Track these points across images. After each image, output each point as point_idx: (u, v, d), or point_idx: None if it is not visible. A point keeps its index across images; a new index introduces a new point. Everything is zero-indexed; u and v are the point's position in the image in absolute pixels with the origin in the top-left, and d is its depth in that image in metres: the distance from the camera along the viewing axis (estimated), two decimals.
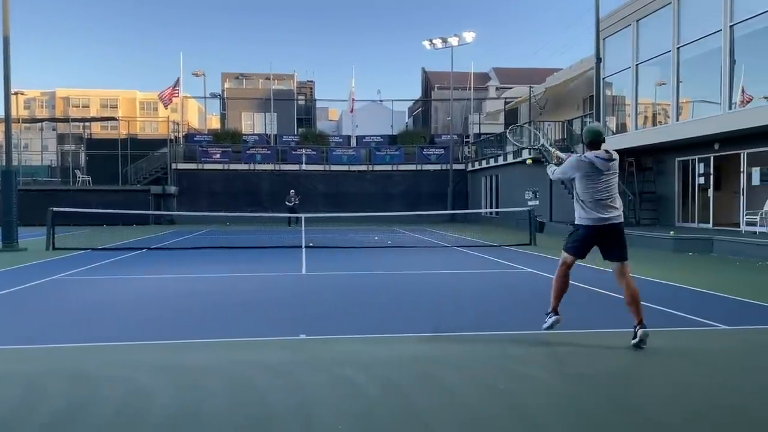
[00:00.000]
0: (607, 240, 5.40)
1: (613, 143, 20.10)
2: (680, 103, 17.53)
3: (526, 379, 4.47)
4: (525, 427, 3.55)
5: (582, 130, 18.44)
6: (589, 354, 5.21)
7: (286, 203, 28.18)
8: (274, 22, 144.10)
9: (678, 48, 17.22)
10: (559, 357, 5.11)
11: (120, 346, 5.56)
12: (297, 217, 26.24)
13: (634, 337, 5.25)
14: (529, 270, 11.14)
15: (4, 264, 12.09)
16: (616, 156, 5.43)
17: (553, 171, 5.80)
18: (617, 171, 5.47)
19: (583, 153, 5.52)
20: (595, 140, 5.45)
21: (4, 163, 16.33)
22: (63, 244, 16.04)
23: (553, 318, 5.62)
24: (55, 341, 5.73)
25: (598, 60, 17.75)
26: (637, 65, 19.25)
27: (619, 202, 5.42)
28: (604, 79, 19.82)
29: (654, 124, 19.22)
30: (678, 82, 17.33)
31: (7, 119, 16.13)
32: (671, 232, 15.33)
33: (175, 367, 4.78)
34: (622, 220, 5.45)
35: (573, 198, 5.54)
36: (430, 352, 5.26)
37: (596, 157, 5.32)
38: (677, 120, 17.44)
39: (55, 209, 16.14)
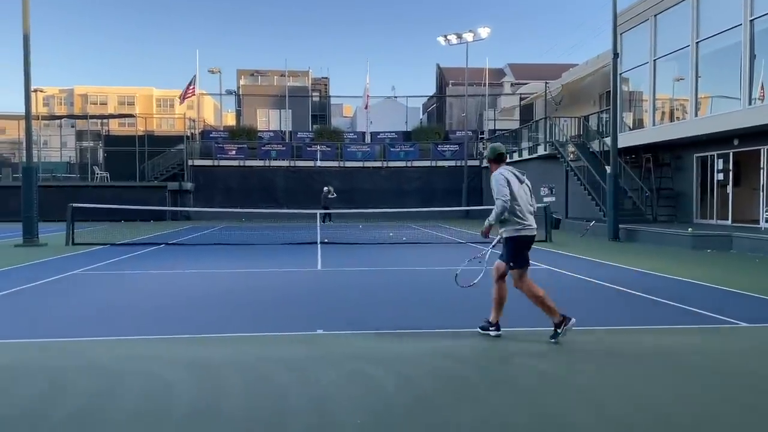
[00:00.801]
0: (529, 248, 5.64)
1: (630, 139, 19.99)
2: (699, 98, 17.34)
3: (545, 375, 4.47)
4: (544, 424, 3.56)
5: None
6: (607, 351, 5.19)
7: (323, 199, 27.60)
8: (290, 18, 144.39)
9: (697, 43, 17.01)
10: (577, 353, 5.10)
11: (140, 340, 5.65)
12: (329, 214, 26.36)
13: (488, 328, 5.61)
14: (545, 267, 11.10)
15: (25, 259, 12.28)
16: (523, 171, 5.76)
17: (490, 221, 5.59)
18: (530, 186, 5.73)
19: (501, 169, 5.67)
20: (499, 157, 5.71)
21: (24, 160, 16.56)
22: (82, 239, 16.25)
23: (499, 332, 5.64)
24: (77, 335, 5.82)
25: (616, 55, 17.58)
26: (654, 60, 19.06)
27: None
28: (621, 74, 19.64)
29: (672, 119, 19.02)
30: (697, 77, 17.13)
31: (27, 116, 16.33)
32: (689, 229, 15.18)
33: (194, 361, 4.84)
34: None
35: (503, 216, 5.48)
36: (446, 348, 5.27)
37: (511, 170, 5.60)
38: (696, 116, 17.25)
39: (74, 205, 16.35)
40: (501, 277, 5.64)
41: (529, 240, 5.59)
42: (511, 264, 5.54)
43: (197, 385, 4.23)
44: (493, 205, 5.50)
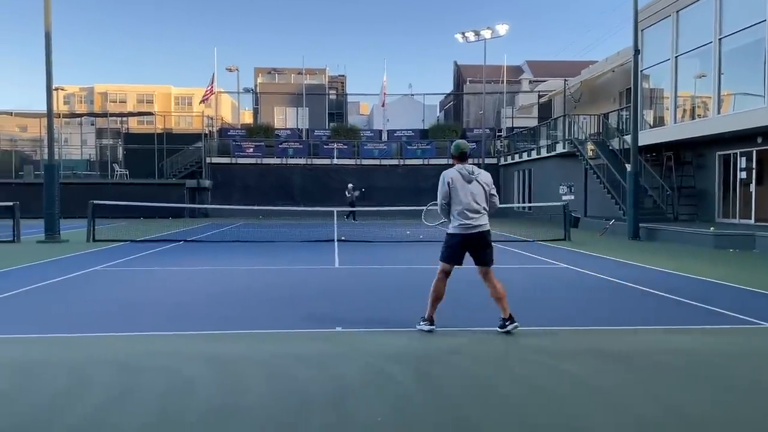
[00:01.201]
0: (476, 247, 5.72)
1: (650, 137, 19.76)
2: (721, 95, 17.07)
3: (565, 375, 4.42)
4: (566, 424, 3.52)
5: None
6: (629, 351, 5.12)
7: (346, 195, 27.70)
8: (307, 16, 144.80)
9: (720, 39, 16.75)
10: (597, 353, 5.03)
11: (159, 336, 5.69)
12: (353, 212, 26.39)
13: (502, 327, 5.68)
14: (564, 265, 11.01)
15: (47, 255, 12.44)
16: (479, 171, 5.77)
17: (428, 211, 6.01)
18: (487, 184, 5.77)
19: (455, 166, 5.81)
20: (462, 155, 5.81)
21: (46, 158, 16.77)
22: (102, 236, 16.43)
23: (430, 327, 5.76)
24: (98, 330, 5.87)
25: (636, 52, 17.36)
26: (676, 57, 18.80)
27: (485, 214, 5.74)
28: (642, 71, 19.39)
29: (693, 117, 18.75)
30: (719, 74, 16.86)
31: (49, 114, 16.54)
32: (711, 228, 14.96)
33: (215, 358, 4.86)
34: (488, 228, 5.78)
35: (445, 213, 5.80)
36: (465, 346, 5.24)
37: (459, 170, 5.70)
38: (718, 113, 16.98)
39: (95, 202, 16.52)
40: (461, 274, 6.02)
41: (464, 239, 5.66)
42: (441, 256, 5.80)
43: (217, 381, 4.25)
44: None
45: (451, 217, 5.71)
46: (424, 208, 6.41)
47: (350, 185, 28.03)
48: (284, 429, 3.41)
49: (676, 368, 4.63)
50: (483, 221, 5.69)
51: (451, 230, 5.74)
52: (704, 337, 5.68)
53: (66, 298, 7.70)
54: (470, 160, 5.91)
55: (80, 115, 44.85)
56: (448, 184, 5.65)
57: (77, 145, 42.33)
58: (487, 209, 5.77)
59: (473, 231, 5.64)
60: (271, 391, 4.06)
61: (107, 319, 6.43)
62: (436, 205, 5.92)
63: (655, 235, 16.53)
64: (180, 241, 16.43)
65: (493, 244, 5.90)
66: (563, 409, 3.73)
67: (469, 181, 5.66)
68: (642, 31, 19.46)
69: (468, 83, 45.51)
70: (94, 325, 6.09)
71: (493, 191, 5.85)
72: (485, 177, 5.79)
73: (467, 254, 5.77)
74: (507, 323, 5.65)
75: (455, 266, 5.83)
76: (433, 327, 5.74)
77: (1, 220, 20.35)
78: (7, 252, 13.21)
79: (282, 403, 3.81)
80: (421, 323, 5.80)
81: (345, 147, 35.13)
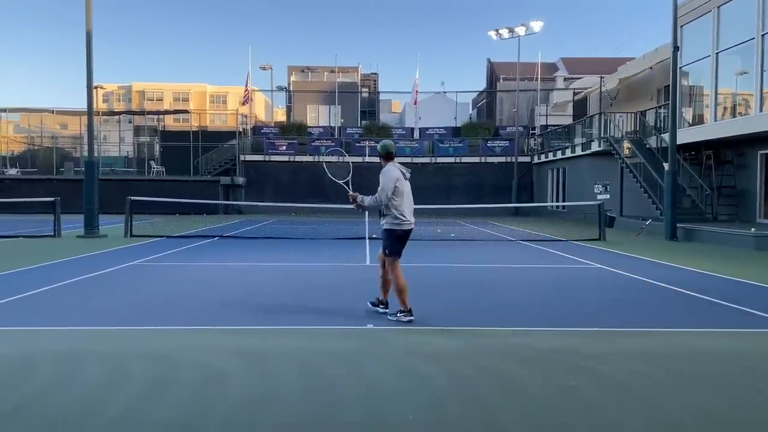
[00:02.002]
0: (406, 240, 6.23)
1: (689, 135, 19.32)
2: (764, 93, 16.58)
3: (597, 376, 4.37)
4: (597, 425, 3.48)
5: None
6: (661, 353, 5.03)
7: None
8: (340, 14, 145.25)
9: (762, 35, 16.26)
10: (631, 355, 4.95)
11: (195, 330, 5.79)
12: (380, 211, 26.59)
13: (377, 305, 6.41)
14: (599, 265, 10.85)
15: (86, 250, 12.78)
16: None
17: (364, 200, 6.22)
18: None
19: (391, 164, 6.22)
20: (389, 155, 6.25)
21: (86, 154, 17.21)
22: (139, 231, 16.78)
23: (412, 317, 6.07)
24: (136, 324, 6.02)
25: (676, 48, 16.98)
26: (717, 54, 18.32)
27: None
28: (681, 68, 18.97)
29: (734, 115, 18.26)
30: (762, 71, 16.38)
31: (90, 112, 16.95)
32: (752, 229, 14.55)
33: (248, 352, 4.93)
34: None
35: (382, 209, 6.16)
36: (497, 346, 5.21)
37: (399, 168, 6.15)
38: (761, 111, 16.50)
39: (132, 198, 16.89)
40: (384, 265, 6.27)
41: (405, 234, 6.16)
42: (386, 251, 6.13)
43: (249, 376, 4.32)
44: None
45: (394, 212, 6.06)
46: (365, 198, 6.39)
47: None
48: (314, 425, 3.45)
49: (710, 371, 4.53)
50: (413, 218, 6.25)
51: (393, 226, 6.10)
52: (740, 340, 5.55)
53: (105, 291, 7.90)
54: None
55: (118, 113, 45.78)
56: (397, 179, 6.05)
57: (115, 143, 43.25)
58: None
59: (412, 227, 6.21)
60: (304, 386, 4.10)
61: (144, 312, 6.58)
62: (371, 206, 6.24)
63: (694, 236, 16.16)
64: (215, 237, 16.69)
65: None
66: (595, 411, 3.68)
67: (407, 179, 6.18)
68: (681, 27, 19.02)
69: (501, 81, 45.06)
70: (132, 319, 6.24)
71: None
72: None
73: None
74: (380, 305, 6.39)
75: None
76: (413, 317, 6.06)
77: (43, 215, 20.98)
78: (49, 246, 13.61)
79: (315, 399, 3.85)
80: (399, 315, 6.09)
81: (377, 145, 35.14)
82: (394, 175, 6.05)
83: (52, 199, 16.91)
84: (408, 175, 6.19)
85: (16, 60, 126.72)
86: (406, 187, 6.15)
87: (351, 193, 6.39)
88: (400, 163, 6.33)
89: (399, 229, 6.08)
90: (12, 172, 35.13)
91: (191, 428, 3.39)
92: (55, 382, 4.18)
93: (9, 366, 4.55)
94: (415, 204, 6.46)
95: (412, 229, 6.19)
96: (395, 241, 6.10)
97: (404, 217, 6.09)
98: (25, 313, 6.46)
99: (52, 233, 16.08)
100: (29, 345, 5.18)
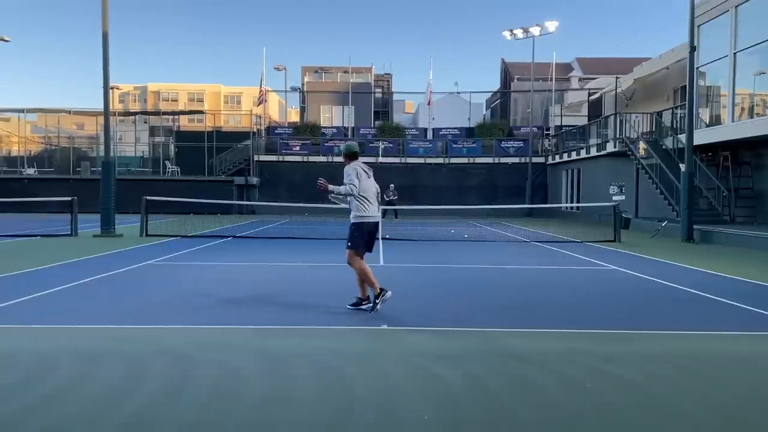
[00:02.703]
0: (372, 235, 6.64)
1: (706, 136, 19.12)
2: None
3: (615, 378, 4.34)
4: (613, 427, 3.45)
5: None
6: (678, 355, 4.98)
7: (384, 197, 27.85)
8: (354, 16, 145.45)
9: None
10: (647, 357, 4.91)
11: (210, 329, 5.83)
12: (395, 210, 27.02)
13: (359, 304, 6.61)
14: (614, 267, 10.76)
15: (103, 249, 12.90)
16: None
17: (335, 189, 6.57)
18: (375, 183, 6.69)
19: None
20: (353, 155, 6.60)
21: (102, 154, 17.37)
22: (155, 231, 16.91)
23: (386, 295, 6.47)
24: (151, 322, 6.07)
25: (693, 48, 16.81)
26: (735, 54, 18.11)
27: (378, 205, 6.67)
28: (698, 68, 18.78)
29: (752, 116, 18.03)
30: None
31: (106, 112, 17.10)
32: None
33: (265, 352, 4.96)
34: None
35: (348, 201, 6.58)
36: (511, 347, 5.19)
37: (361, 165, 6.54)
38: None
39: (148, 198, 17.02)
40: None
41: (369, 228, 6.55)
42: (349, 244, 6.50)
43: (265, 375, 4.34)
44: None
45: (359, 206, 6.44)
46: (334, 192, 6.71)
47: (392, 185, 28.08)
48: (329, 424, 3.46)
49: (729, 373, 4.48)
50: (378, 213, 6.66)
51: (357, 220, 6.49)
52: (759, 343, 5.48)
53: (121, 290, 7.97)
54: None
55: (134, 114, 46.24)
56: (358, 174, 6.43)
57: (131, 143, 43.62)
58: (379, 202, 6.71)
59: (375, 221, 6.58)
60: (319, 385, 4.12)
61: (160, 311, 6.63)
62: (341, 194, 6.56)
63: (710, 238, 15.99)
64: (229, 236, 16.78)
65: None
66: (612, 413, 3.66)
67: (369, 177, 6.56)
68: (698, 27, 18.82)
69: (516, 81, 44.85)
70: (147, 317, 6.29)
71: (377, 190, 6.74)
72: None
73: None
74: (363, 302, 6.57)
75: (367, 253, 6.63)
76: (388, 292, 6.49)
77: (60, 214, 21.21)
78: (66, 245, 13.76)
79: (330, 399, 3.86)
80: (376, 302, 6.40)
81: (390, 145, 35.18)
82: (356, 170, 6.45)
83: (69, 198, 17.10)
84: (371, 174, 6.58)
85: (33, 61, 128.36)
86: (369, 184, 6.53)
87: (321, 181, 6.72)
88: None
89: (363, 222, 6.48)
90: (29, 171, 35.57)
91: (207, 426, 3.41)
92: (74, 379, 4.23)
93: (28, 363, 4.61)
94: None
95: (376, 224, 6.59)
96: (359, 235, 6.47)
97: (368, 211, 6.48)
98: (42, 312, 6.54)
99: (69, 233, 16.25)
100: (47, 343, 5.25)
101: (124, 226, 18.24)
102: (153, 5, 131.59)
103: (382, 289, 6.45)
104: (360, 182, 6.41)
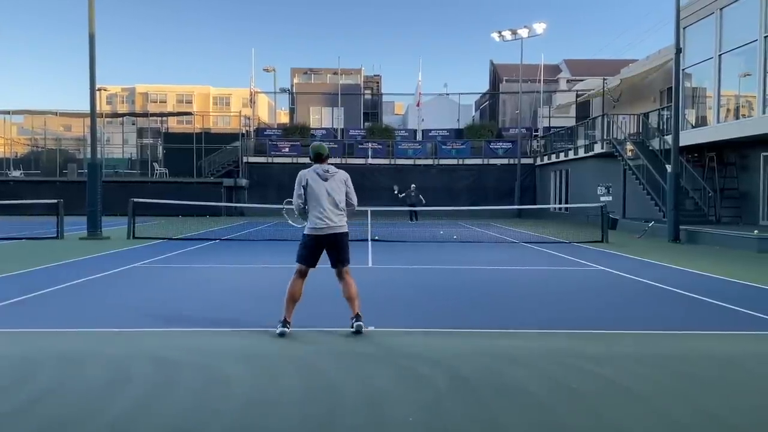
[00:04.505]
0: (331, 247, 5.76)
1: (692, 137, 19.28)
2: (767, 94, 16.54)
3: (601, 379, 4.36)
4: (600, 429, 3.47)
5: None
6: (664, 355, 5.01)
7: (406, 199, 27.50)
8: (343, 17, 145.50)
9: (765, 37, 16.23)
10: (633, 357, 4.94)
11: (197, 332, 5.80)
12: (415, 212, 26.87)
13: (352, 327, 5.69)
14: (601, 268, 10.82)
15: (90, 251, 12.80)
16: (335, 170, 5.76)
17: (289, 210, 5.99)
18: (343, 185, 5.77)
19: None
20: (317, 157, 5.78)
21: (89, 156, 17.25)
22: (142, 233, 16.82)
23: (283, 329, 5.62)
24: (137, 326, 6.02)
25: (678, 50, 16.95)
26: (720, 55, 18.29)
27: (341, 214, 5.76)
28: (683, 70, 18.94)
29: (737, 117, 18.22)
30: (765, 72, 16.34)
31: (93, 114, 16.99)
32: (755, 231, 14.50)
33: (251, 354, 4.94)
34: (346, 229, 5.83)
35: (301, 213, 5.84)
36: (498, 348, 5.20)
37: (315, 170, 5.70)
38: (764, 113, 16.46)
39: (135, 200, 16.91)
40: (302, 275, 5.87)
41: (318, 240, 5.73)
42: (296, 257, 5.81)
43: (252, 378, 4.32)
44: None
45: (309, 217, 5.72)
46: (284, 206, 6.28)
47: (413, 185, 27.86)
48: (316, 427, 3.45)
49: (713, 373, 4.51)
50: (339, 222, 5.74)
51: (306, 231, 5.76)
52: (743, 343, 5.53)
53: (107, 293, 7.91)
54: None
55: (122, 115, 45.92)
56: (304, 186, 5.68)
57: (119, 144, 43.40)
58: (345, 209, 5.80)
59: (329, 232, 5.69)
60: (305, 388, 4.10)
61: (146, 314, 6.58)
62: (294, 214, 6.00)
63: (696, 238, 16.12)
64: (215, 239, 16.71)
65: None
66: (598, 414, 3.67)
67: (325, 179, 5.67)
68: (684, 29, 19.00)
69: (504, 82, 45.01)
70: (133, 320, 6.24)
71: (351, 190, 5.84)
72: (342, 175, 5.81)
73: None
74: (353, 321, 5.72)
75: (311, 268, 5.87)
76: (287, 330, 5.61)
77: (46, 216, 21.02)
78: (51, 248, 13.64)
79: (316, 401, 3.85)
80: (278, 325, 5.65)
81: (379, 146, 35.19)
82: (300, 182, 5.70)
83: (56, 201, 16.95)
84: (328, 174, 5.68)
85: (19, 62, 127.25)
86: (323, 187, 5.65)
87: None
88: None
89: (311, 234, 5.72)
90: (15, 174, 35.24)
91: (192, 429, 3.39)
92: (57, 383, 4.19)
93: (11, 367, 4.56)
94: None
95: (328, 236, 5.71)
96: (302, 246, 5.79)
97: (313, 222, 5.68)
98: (27, 315, 6.48)
99: (55, 235, 16.11)
100: (31, 346, 5.19)
101: (111, 228, 18.11)
102: (141, 6, 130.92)
103: (287, 321, 5.68)
104: (306, 191, 5.67)
